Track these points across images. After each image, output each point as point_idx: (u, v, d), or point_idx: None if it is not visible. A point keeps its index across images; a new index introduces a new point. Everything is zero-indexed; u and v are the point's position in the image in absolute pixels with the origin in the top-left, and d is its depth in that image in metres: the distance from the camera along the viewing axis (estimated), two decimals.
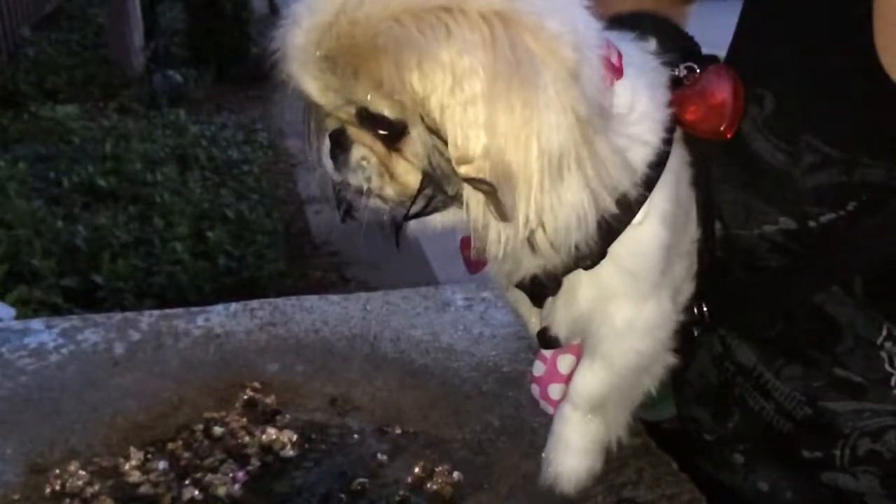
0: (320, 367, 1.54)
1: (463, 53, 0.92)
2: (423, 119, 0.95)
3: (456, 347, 1.60)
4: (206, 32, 8.22)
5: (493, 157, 0.94)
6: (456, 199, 1.00)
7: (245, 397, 1.45)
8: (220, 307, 1.71)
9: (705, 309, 1.28)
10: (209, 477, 1.27)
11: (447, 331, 1.65)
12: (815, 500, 1.28)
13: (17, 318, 3.18)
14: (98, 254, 4.58)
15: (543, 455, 1.26)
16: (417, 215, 1.04)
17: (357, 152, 1.04)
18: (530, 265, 1.11)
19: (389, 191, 1.04)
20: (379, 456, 1.33)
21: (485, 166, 0.94)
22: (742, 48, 1.29)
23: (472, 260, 1.16)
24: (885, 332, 1.15)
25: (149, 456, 1.32)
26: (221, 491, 1.25)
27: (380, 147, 1.02)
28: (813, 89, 1.17)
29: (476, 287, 1.76)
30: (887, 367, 1.16)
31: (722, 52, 1.28)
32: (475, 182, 0.95)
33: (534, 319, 1.31)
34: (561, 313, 1.18)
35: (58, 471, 1.27)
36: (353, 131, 1.03)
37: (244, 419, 1.39)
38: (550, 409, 1.32)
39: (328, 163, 1.07)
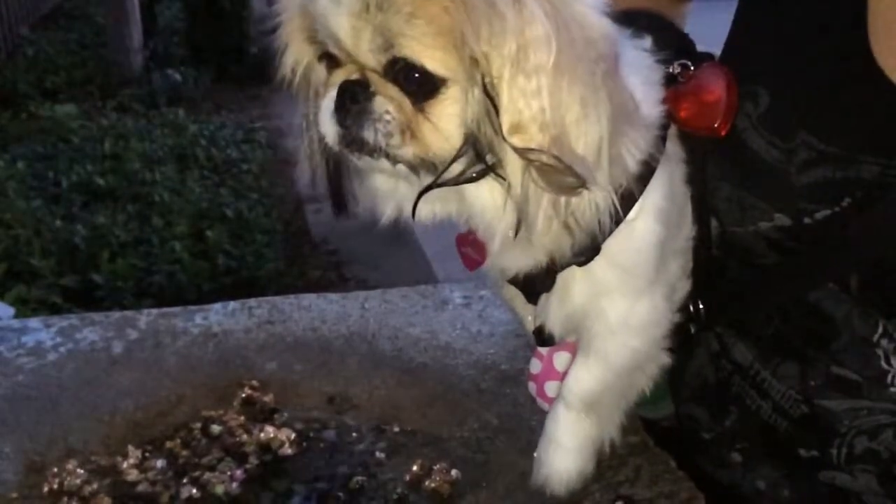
0: (318, 365, 1.54)
1: (532, 22, 0.91)
2: (483, 79, 0.93)
3: (454, 345, 1.60)
4: (205, 32, 8.20)
5: (553, 131, 0.93)
6: (492, 170, 0.97)
7: (243, 396, 1.45)
8: (218, 306, 1.71)
9: (701, 307, 1.29)
10: (207, 475, 1.27)
11: (445, 329, 1.65)
12: (813, 498, 1.28)
13: (16, 317, 3.17)
14: (97, 253, 4.57)
15: (535, 455, 1.26)
16: (448, 183, 0.99)
17: (380, 104, 0.98)
18: (537, 254, 1.09)
19: (408, 152, 0.99)
20: (377, 454, 1.33)
21: (542, 139, 0.93)
22: (738, 45, 1.30)
23: (470, 256, 1.16)
24: (880, 330, 1.15)
25: (147, 454, 1.32)
26: (219, 489, 1.25)
27: (407, 103, 0.98)
28: (808, 86, 1.17)
29: (474, 285, 1.76)
30: (883, 364, 1.16)
31: (717, 50, 1.28)
32: (532, 153, 0.93)
33: (529, 317, 1.30)
34: (555, 310, 1.18)
35: (56, 469, 1.27)
36: (378, 83, 0.99)
37: (242, 417, 1.40)
38: (547, 407, 1.32)
39: (327, 119, 1.01)
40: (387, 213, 1.10)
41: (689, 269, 1.25)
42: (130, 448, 1.32)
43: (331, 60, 1.03)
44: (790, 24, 1.22)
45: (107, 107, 7.11)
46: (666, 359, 1.24)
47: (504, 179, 0.97)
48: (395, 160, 1.00)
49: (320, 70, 1.07)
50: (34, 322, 1.67)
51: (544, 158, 0.92)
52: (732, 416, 1.34)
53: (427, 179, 1.01)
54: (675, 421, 1.46)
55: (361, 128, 0.99)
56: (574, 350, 1.26)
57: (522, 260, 1.12)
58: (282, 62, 1.09)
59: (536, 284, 1.17)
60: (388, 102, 0.98)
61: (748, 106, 1.19)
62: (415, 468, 1.29)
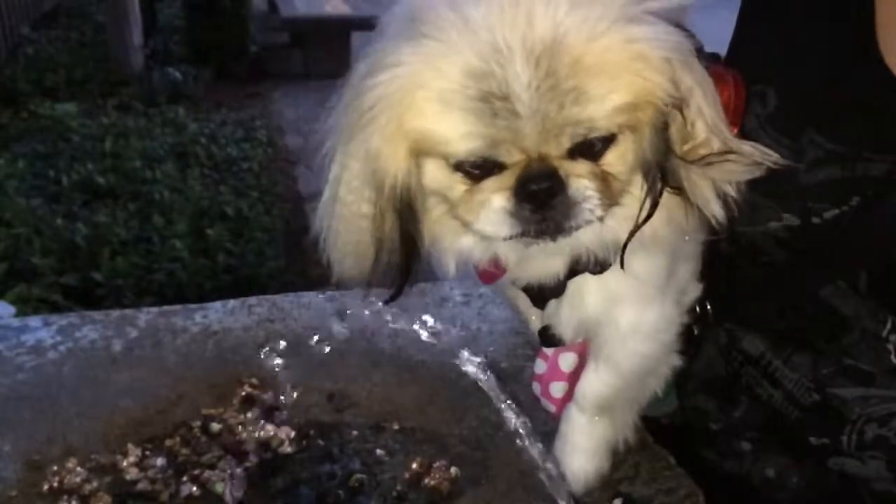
0: (318, 363, 1.54)
1: (674, 51, 0.94)
2: (666, 115, 0.96)
3: (453, 343, 1.59)
4: (204, 30, 8.18)
5: (718, 134, 0.99)
6: (669, 187, 1.00)
7: (243, 394, 1.45)
8: (217, 304, 1.71)
9: (709, 308, 1.29)
10: (207, 473, 1.27)
11: (445, 326, 1.65)
12: (822, 485, 1.29)
13: (17, 315, 3.17)
14: (97, 252, 4.57)
15: (552, 455, 1.27)
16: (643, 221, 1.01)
17: (581, 186, 0.95)
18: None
19: (605, 212, 0.98)
20: (377, 452, 1.33)
21: (716, 143, 0.99)
22: (743, 45, 1.30)
23: (486, 271, 1.14)
24: (889, 325, 1.16)
25: (147, 453, 1.32)
26: (219, 487, 1.25)
27: (595, 168, 0.97)
28: (815, 86, 1.17)
29: (473, 283, 1.76)
30: (893, 359, 1.17)
31: (722, 50, 1.28)
32: (711, 157, 0.98)
33: (534, 317, 1.30)
34: (566, 315, 1.18)
35: (55, 467, 1.27)
36: (562, 163, 0.95)
37: (242, 416, 1.39)
38: (552, 407, 1.33)
39: (500, 220, 0.96)
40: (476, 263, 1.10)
41: (698, 271, 1.24)
42: (130, 446, 1.32)
43: (476, 168, 0.97)
44: (795, 23, 1.22)
45: (107, 105, 7.10)
46: (677, 360, 1.24)
47: (679, 190, 1.00)
48: (598, 222, 0.99)
49: (450, 178, 0.99)
50: (34, 320, 1.67)
51: (728, 156, 0.99)
52: (743, 406, 1.35)
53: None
54: (678, 416, 1.46)
55: (568, 217, 0.96)
56: (579, 351, 1.26)
57: (548, 269, 1.11)
58: (375, 173, 1.00)
59: (547, 291, 1.16)
60: (583, 178, 0.96)
61: (756, 106, 1.19)
62: (414, 466, 1.29)
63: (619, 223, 1.02)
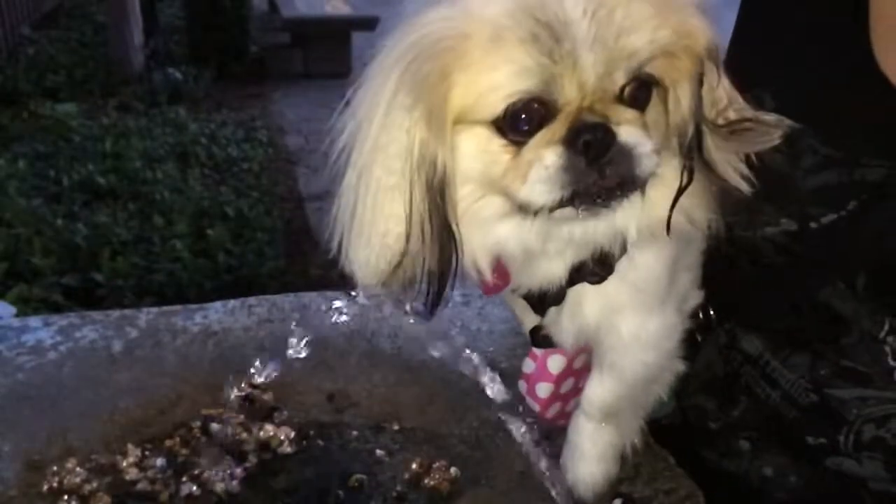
0: (318, 363, 1.54)
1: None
2: (702, 67, 0.97)
3: (453, 344, 1.59)
4: (205, 30, 8.20)
5: (735, 101, 1.01)
6: (698, 153, 1.00)
7: (243, 394, 1.45)
8: (217, 304, 1.71)
9: (711, 313, 1.29)
10: (207, 474, 1.27)
11: (445, 327, 1.65)
12: (819, 484, 1.29)
13: (17, 316, 3.17)
14: (98, 252, 4.57)
15: (560, 461, 1.27)
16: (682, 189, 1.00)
17: (636, 135, 0.91)
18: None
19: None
20: (376, 452, 1.33)
21: (732, 114, 1.01)
22: (740, 49, 1.30)
23: (489, 283, 1.14)
24: (887, 327, 1.17)
25: (146, 453, 1.32)
26: (219, 487, 1.25)
27: (642, 117, 0.94)
28: (812, 91, 1.17)
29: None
30: (890, 361, 1.17)
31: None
32: (736, 124, 1.00)
33: (527, 318, 1.30)
34: (566, 323, 1.17)
35: (55, 468, 1.27)
36: (613, 110, 0.91)
37: (242, 416, 1.39)
38: (537, 407, 1.33)
39: (552, 178, 0.90)
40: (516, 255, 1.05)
41: (699, 281, 1.24)
42: (130, 446, 1.32)
43: (525, 122, 0.92)
44: (793, 28, 1.22)
45: (108, 105, 7.10)
46: (680, 366, 1.24)
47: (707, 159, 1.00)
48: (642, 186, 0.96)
49: (492, 149, 0.94)
50: (34, 321, 1.67)
51: (746, 125, 1.00)
52: (741, 405, 1.35)
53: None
54: (676, 416, 1.46)
55: (632, 169, 0.92)
56: (568, 353, 1.26)
57: (550, 275, 1.09)
58: (410, 157, 0.93)
59: (547, 298, 1.16)
60: (632, 126, 0.92)
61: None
62: (414, 466, 1.29)
63: (628, 214, 1.00)
